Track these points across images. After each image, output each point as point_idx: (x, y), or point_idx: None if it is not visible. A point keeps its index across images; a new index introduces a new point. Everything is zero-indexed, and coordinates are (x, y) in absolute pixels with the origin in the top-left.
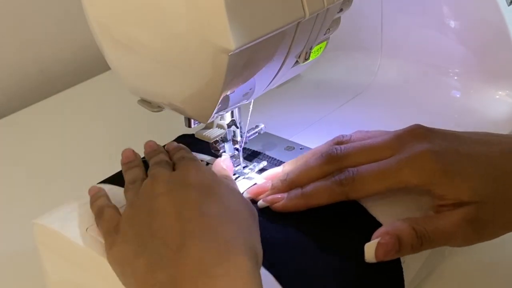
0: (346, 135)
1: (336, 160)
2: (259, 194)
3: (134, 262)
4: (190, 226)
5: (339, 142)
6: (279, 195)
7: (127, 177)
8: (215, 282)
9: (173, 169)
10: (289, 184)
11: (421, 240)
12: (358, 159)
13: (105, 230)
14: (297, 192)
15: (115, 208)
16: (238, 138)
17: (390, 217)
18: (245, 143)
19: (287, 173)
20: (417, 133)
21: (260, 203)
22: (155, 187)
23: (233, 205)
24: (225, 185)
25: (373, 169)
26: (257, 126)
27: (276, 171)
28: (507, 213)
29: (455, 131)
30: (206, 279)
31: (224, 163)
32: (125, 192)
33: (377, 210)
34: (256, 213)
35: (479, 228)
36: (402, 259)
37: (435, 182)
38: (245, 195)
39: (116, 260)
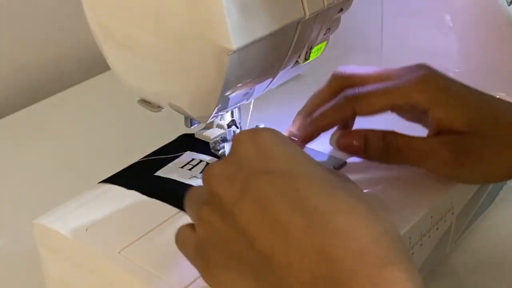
0: None
1: (341, 78)
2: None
3: None
4: (317, 240)
5: None
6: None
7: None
8: None
9: None
10: (304, 115)
11: (387, 148)
12: (363, 80)
13: (187, 255)
14: (306, 120)
15: (185, 226)
16: None
17: None
18: None
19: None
20: (424, 66)
21: None
22: (219, 192)
23: (361, 195)
24: (310, 160)
25: (379, 86)
26: (257, 126)
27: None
28: (494, 147)
29: None
30: None
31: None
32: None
33: None
34: None
35: (458, 155)
36: None
37: (436, 101)
38: None
39: None
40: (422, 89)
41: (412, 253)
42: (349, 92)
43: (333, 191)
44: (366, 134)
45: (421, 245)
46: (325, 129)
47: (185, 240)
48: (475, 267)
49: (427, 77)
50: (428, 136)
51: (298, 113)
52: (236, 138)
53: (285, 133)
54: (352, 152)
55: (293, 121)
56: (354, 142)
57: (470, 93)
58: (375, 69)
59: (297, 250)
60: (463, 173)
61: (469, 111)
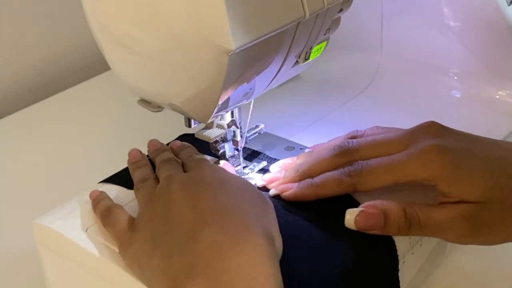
0: (360, 130)
1: (347, 153)
2: (272, 182)
3: (151, 256)
4: (204, 215)
5: (353, 136)
6: (290, 185)
7: (136, 176)
8: (229, 263)
9: (183, 168)
10: (301, 175)
11: (410, 223)
12: (369, 153)
13: (117, 229)
14: (307, 182)
15: (121, 206)
16: (238, 138)
17: None
18: (245, 143)
19: (300, 164)
20: (431, 129)
21: (272, 191)
22: (170, 186)
23: (248, 196)
24: (239, 179)
25: (381, 162)
26: (257, 126)
27: (290, 161)
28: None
29: (471, 133)
30: (220, 261)
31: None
32: (135, 190)
33: None
34: (273, 206)
35: (477, 227)
36: (401, 260)
37: (443, 178)
38: (259, 182)
39: (134, 259)
40: (427, 167)
41: (412, 253)
42: (353, 168)
43: (240, 195)
44: (385, 210)
45: (420, 245)
46: (322, 197)
47: (119, 220)
48: (475, 268)
49: (433, 151)
50: (445, 206)
51: (294, 171)
52: (199, 160)
53: (278, 183)
54: (370, 231)
55: (286, 175)
56: (375, 222)
57: (482, 163)
58: (383, 135)
59: (197, 220)
60: (481, 241)
61: (480, 184)
